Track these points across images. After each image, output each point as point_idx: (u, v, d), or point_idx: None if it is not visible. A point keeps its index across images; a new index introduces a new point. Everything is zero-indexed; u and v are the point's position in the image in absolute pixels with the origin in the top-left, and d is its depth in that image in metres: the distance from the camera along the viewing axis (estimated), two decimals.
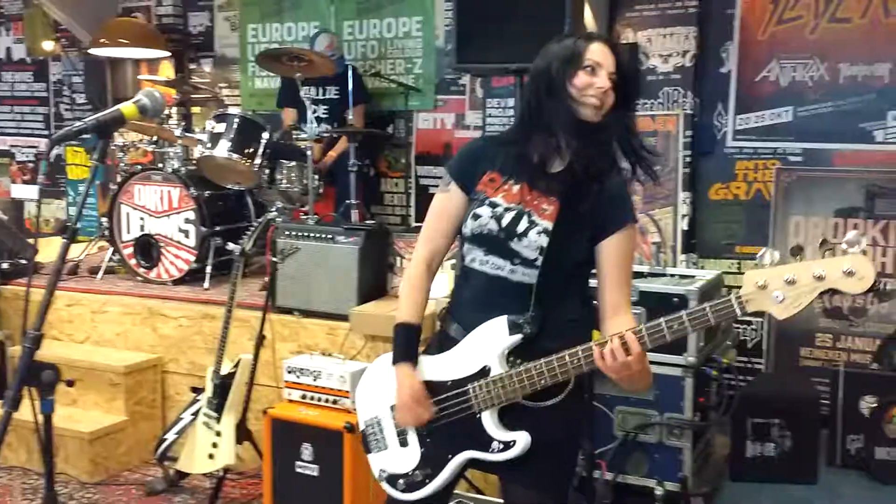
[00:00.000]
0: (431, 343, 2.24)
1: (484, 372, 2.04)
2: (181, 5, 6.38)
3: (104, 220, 5.00)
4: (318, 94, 5.28)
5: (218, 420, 3.57)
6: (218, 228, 4.68)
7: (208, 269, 4.62)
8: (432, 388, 2.12)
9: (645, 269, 3.73)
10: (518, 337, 2.02)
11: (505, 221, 2.04)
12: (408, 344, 2.16)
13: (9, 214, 6.51)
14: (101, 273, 4.90)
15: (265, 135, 4.65)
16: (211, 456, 3.55)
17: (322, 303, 3.97)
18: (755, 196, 4.55)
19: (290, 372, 3.46)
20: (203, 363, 4.03)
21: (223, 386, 3.59)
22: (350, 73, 5.04)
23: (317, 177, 4.66)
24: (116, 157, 5.27)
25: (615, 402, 3.41)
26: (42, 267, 4.95)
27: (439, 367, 2.13)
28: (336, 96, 5.30)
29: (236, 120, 4.64)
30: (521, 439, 2.01)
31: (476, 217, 2.07)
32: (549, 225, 2.02)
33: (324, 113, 5.32)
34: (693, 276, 3.64)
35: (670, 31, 4.73)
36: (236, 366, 3.62)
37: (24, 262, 4.93)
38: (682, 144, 4.23)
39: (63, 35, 6.59)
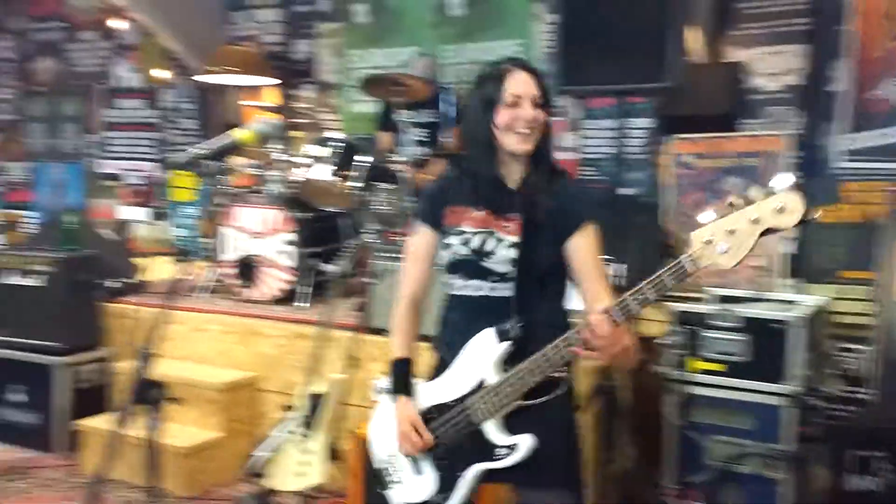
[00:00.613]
0: (431, 371, 2.35)
1: (481, 385, 2.15)
2: (286, 34, 6.57)
3: (207, 240, 5.16)
4: (414, 118, 5.32)
5: (309, 438, 3.60)
6: (315, 250, 4.76)
7: (305, 289, 4.69)
8: (437, 410, 2.24)
9: (746, 293, 3.59)
10: (507, 343, 2.12)
11: (474, 244, 2.19)
12: (402, 377, 2.34)
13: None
14: (202, 292, 5.04)
15: (363, 158, 4.72)
16: (302, 474, 3.57)
17: None
18: (863, 219, 4.32)
19: (379, 392, 3.45)
20: (296, 382, 4.07)
21: (315, 405, 3.62)
22: (446, 95, 5.09)
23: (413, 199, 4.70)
24: (217, 179, 5.42)
25: (708, 430, 3.28)
26: (146, 286, 5.14)
27: (439, 390, 2.25)
28: (431, 119, 5.33)
29: (335, 144, 4.73)
30: (525, 440, 2.10)
31: (448, 246, 2.24)
32: (515, 238, 2.16)
33: (419, 136, 5.36)
34: (796, 302, 3.48)
35: (778, 49, 4.60)
36: (329, 385, 3.64)
37: (128, 281, 5.13)
38: (788, 165, 4.07)
39: (175, 63, 6.86)
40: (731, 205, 1.82)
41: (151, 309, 4.78)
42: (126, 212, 7.29)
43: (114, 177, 7.42)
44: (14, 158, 7.86)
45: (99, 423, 4.35)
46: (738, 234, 1.80)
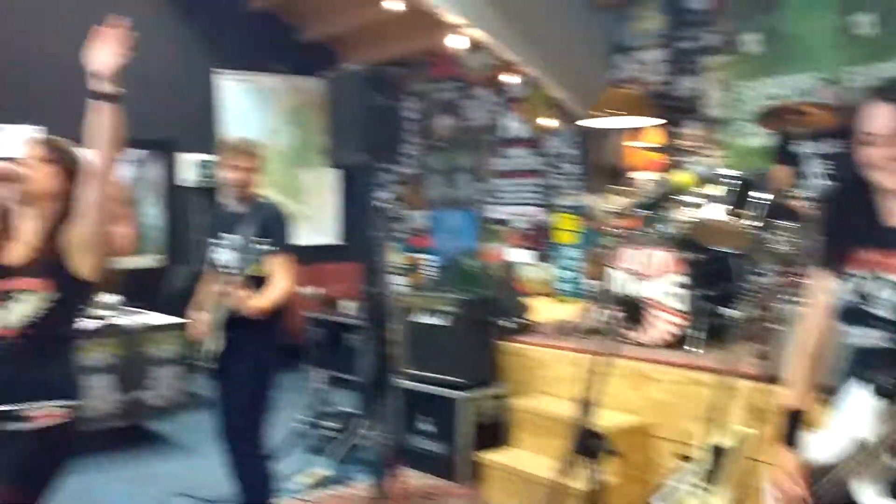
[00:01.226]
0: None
1: (858, 444, 1.97)
2: (669, 72, 6.47)
3: (593, 282, 5.18)
4: (815, 150, 4.90)
5: (711, 493, 3.39)
6: (708, 292, 4.55)
7: (698, 333, 4.49)
8: (815, 470, 2.08)
9: None
10: (884, 400, 1.92)
11: (861, 289, 2.02)
12: (789, 429, 2.18)
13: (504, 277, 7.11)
14: (591, 334, 5.06)
15: (760, 195, 4.44)
16: None
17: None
18: None
19: None
20: (691, 430, 3.89)
21: (718, 458, 3.41)
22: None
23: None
24: (603, 221, 5.44)
25: None
26: (534, 326, 5.29)
27: (819, 446, 2.09)
28: (838, 150, 4.86)
29: (730, 181, 4.51)
30: None
31: (838, 294, 2.08)
32: None
33: (825, 168, 4.91)
34: None
35: None
36: (734, 438, 3.42)
37: (520, 321, 5.31)
38: None
39: (560, 111, 7.08)
40: None
41: (540, 348, 4.92)
42: (513, 254, 7.63)
43: (502, 221, 7.82)
44: (416, 207, 8.65)
45: (497, 456, 4.52)
46: None
